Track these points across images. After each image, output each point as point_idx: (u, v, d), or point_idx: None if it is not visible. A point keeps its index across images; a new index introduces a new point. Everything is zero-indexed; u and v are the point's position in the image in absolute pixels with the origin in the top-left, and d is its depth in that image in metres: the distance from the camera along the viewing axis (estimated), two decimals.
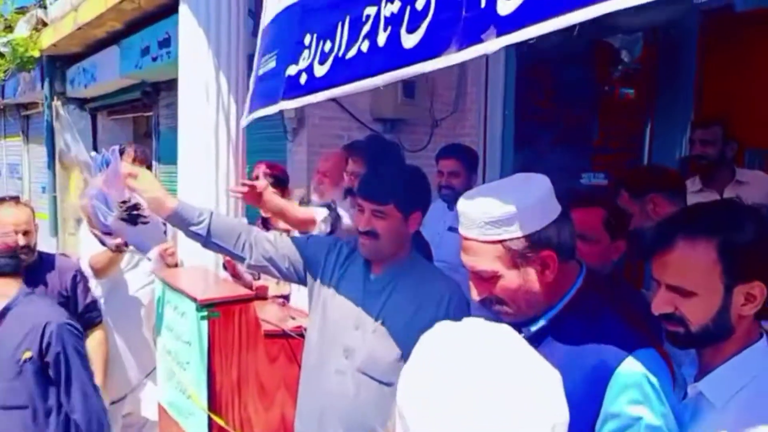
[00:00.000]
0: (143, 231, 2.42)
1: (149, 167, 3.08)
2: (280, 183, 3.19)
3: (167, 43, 5.34)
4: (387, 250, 1.86)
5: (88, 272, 2.91)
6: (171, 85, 6.21)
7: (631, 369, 1.14)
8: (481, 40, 1.17)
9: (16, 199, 2.65)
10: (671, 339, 1.19)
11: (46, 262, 2.69)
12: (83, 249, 3.11)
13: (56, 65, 8.22)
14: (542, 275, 1.26)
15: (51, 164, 8.39)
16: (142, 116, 7.67)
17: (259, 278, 3.05)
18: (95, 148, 8.41)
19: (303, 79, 1.83)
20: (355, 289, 1.90)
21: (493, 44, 1.15)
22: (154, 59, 5.64)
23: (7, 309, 2.18)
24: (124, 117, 8.22)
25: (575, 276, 1.31)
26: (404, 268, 1.89)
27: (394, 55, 1.42)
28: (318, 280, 1.99)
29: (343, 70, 1.62)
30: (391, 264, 1.89)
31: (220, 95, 3.03)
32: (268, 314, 2.49)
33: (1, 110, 12.71)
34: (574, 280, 1.31)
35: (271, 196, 2.45)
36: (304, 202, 3.30)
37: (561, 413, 0.74)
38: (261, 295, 2.76)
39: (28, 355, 2.11)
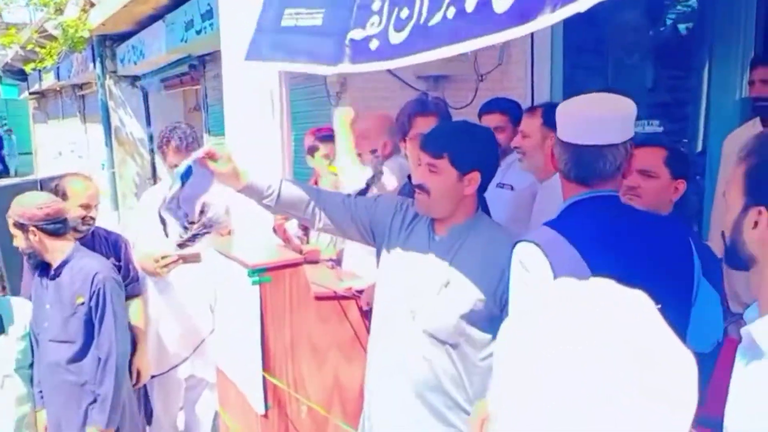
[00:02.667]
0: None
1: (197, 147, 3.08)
2: (329, 140, 3.20)
3: (210, 14, 5.37)
4: (440, 207, 1.83)
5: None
6: (216, 56, 6.27)
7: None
8: None
9: (84, 176, 2.95)
10: None
11: (97, 235, 2.89)
12: (138, 238, 3.18)
13: (106, 44, 8.42)
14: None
15: (108, 141, 8.65)
16: (192, 90, 7.80)
17: (308, 242, 3.08)
18: (148, 123, 8.63)
19: (374, 45, 1.80)
20: (420, 249, 1.88)
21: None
22: (198, 32, 5.70)
23: (65, 262, 2.57)
24: (174, 91, 8.36)
25: (573, 194, 1.56)
26: (469, 228, 1.85)
27: (484, 20, 1.37)
28: (385, 242, 1.99)
29: (425, 37, 1.59)
30: (456, 224, 1.85)
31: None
32: (319, 277, 2.52)
33: (58, 92, 13.16)
34: (569, 197, 1.57)
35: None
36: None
37: (694, 401, 0.65)
38: (312, 259, 2.79)
39: (80, 300, 2.54)
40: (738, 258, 1.13)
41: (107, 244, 2.89)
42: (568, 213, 1.57)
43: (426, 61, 1.62)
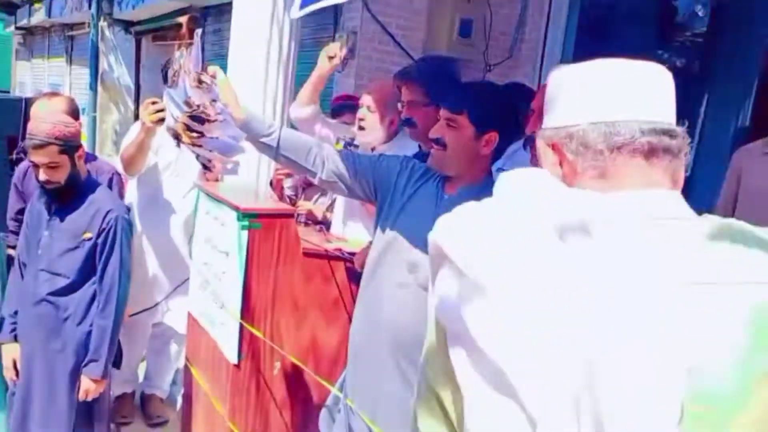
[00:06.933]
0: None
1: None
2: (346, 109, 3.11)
3: None
4: (454, 164, 1.78)
5: (120, 170, 2.91)
6: (219, 10, 6.10)
7: None
8: None
9: (56, 94, 2.93)
10: None
11: (86, 162, 2.70)
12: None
13: None
14: None
15: (93, 85, 8.40)
16: (188, 43, 7.60)
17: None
18: (137, 73, 8.40)
19: None
20: (427, 207, 1.83)
21: None
22: None
23: (80, 191, 2.43)
24: (169, 43, 8.15)
25: None
26: (480, 190, 1.79)
27: None
28: (388, 198, 1.93)
29: None
30: (467, 185, 1.80)
31: (276, 15, 2.93)
32: (308, 236, 2.45)
33: (47, 30, 12.76)
34: None
35: None
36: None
37: None
38: (312, 217, 2.73)
39: (88, 235, 2.41)
40: None
41: (96, 175, 2.72)
42: None
43: None
